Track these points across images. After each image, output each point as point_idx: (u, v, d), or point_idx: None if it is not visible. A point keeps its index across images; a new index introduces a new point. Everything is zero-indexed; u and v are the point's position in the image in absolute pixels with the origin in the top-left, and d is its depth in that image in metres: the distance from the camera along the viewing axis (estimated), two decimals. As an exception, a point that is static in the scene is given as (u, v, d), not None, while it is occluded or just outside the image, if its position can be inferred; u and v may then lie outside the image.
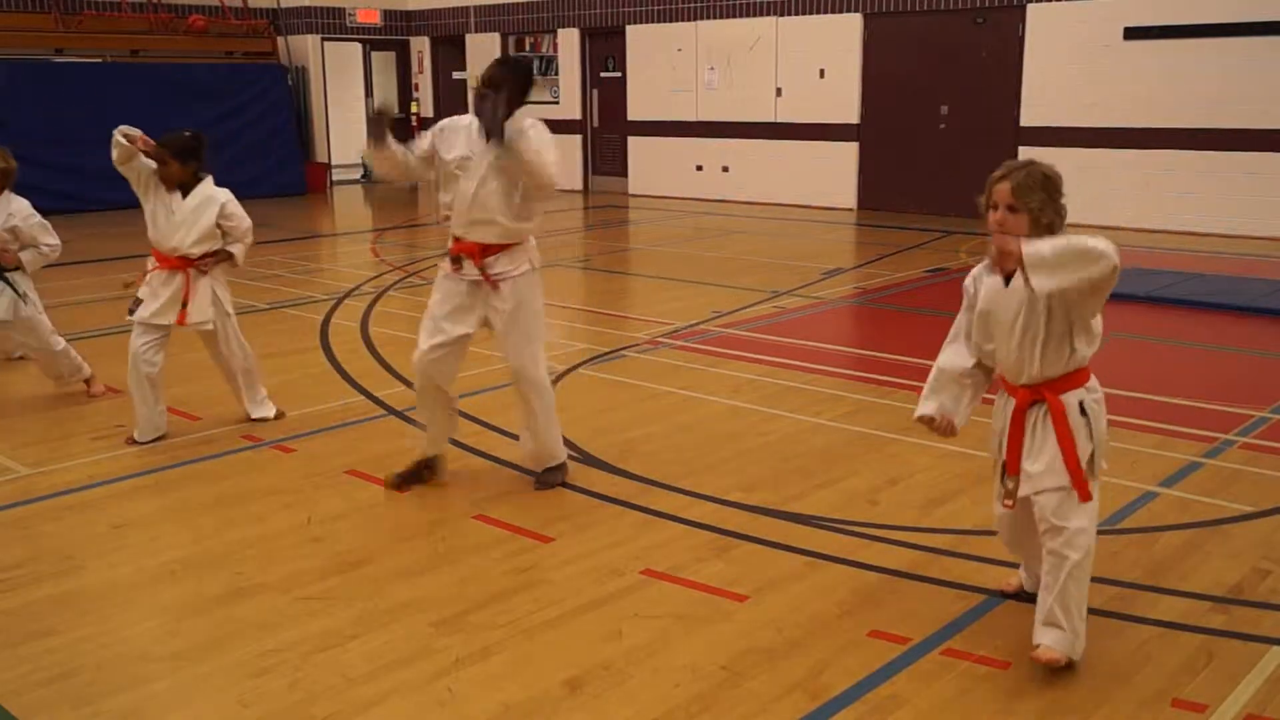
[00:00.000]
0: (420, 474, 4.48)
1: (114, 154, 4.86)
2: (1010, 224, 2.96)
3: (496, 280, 4.25)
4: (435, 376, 4.32)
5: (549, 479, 4.48)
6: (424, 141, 4.29)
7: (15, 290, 5.55)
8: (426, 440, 4.48)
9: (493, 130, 4.06)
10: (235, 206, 5.11)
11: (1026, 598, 3.34)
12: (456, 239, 4.28)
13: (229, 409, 5.48)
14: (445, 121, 4.30)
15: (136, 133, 4.86)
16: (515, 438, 5.05)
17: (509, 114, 4.06)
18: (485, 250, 4.24)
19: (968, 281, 3.22)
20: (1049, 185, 3.00)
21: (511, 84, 4.09)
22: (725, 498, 4.33)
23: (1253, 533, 3.96)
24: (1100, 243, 2.76)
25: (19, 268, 5.56)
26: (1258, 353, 6.64)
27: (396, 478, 4.44)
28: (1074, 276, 2.76)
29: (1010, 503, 3.12)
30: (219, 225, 5.07)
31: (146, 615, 3.43)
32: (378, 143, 4.22)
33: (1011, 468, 3.10)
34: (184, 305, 5.04)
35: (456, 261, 4.27)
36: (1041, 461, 3.00)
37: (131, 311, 5.05)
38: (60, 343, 5.70)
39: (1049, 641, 2.98)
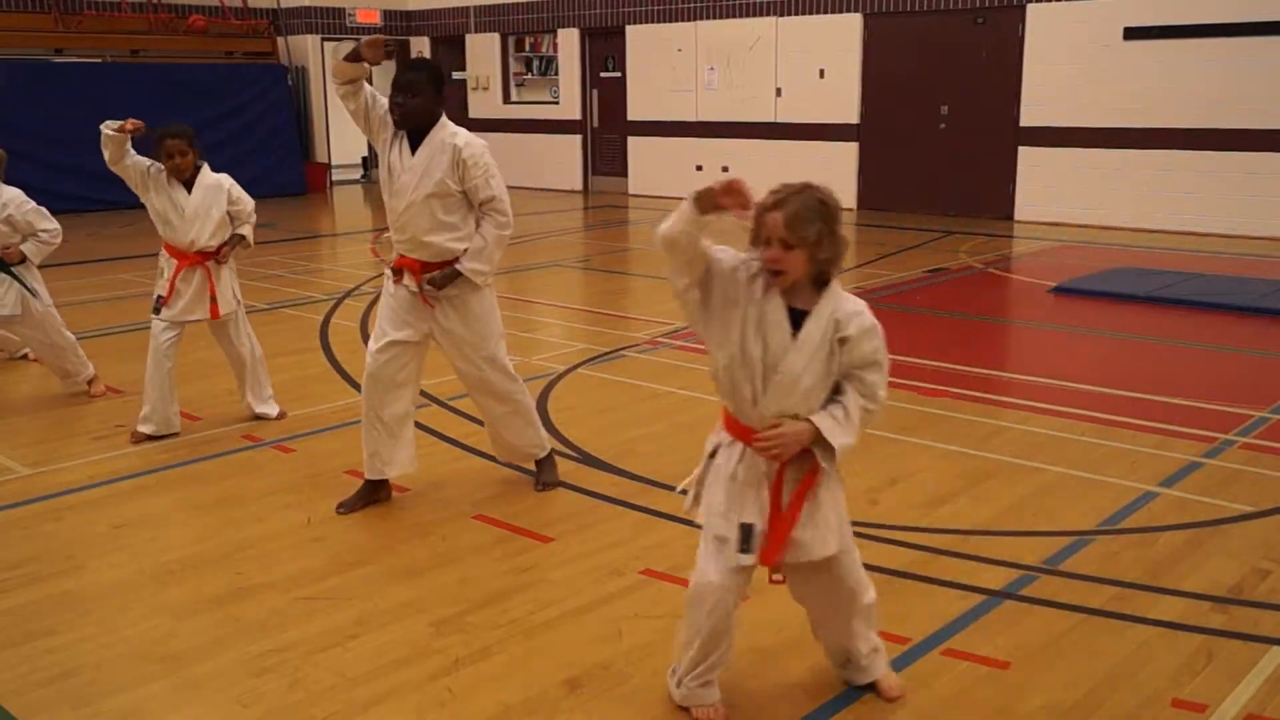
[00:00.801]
0: (367, 500, 4.30)
1: (105, 154, 4.86)
2: (785, 262, 2.55)
3: (434, 299, 4.10)
4: (382, 384, 4.14)
5: (549, 479, 4.47)
6: (368, 98, 4.06)
7: (24, 285, 5.55)
8: (366, 463, 4.26)
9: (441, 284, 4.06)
10: (238, 189, 5.19)
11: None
12: (399, 253, 4.13)
13: (229, 409, 5.48)
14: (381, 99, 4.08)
15: (118, 123, 4.81)
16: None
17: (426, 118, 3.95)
18: (425, 267, 4.07)
19: (737, 265, 2.67)
20: (826, 214, 2.55)
21: (429, 87, 3.94)
22: (725, 498, 4.33)
23: (1252, 533, 3.96)
24: (876, 401, 2.61)
25: (24, 261, 5.55)
26: (1258, 353, 6.64)
27: (343, 506, 4.27)
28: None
29: (780, 577, 2.76)
30: (228, 212, 5.11)
31: (146, 615, 3.43)
32: (353, 61, 3.96)
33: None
34: (212, 299, 5.09)
35: (398, 273, 4.12)
36: (815, 522, 2.68)
37: (157, 310, 5.07)
38: (70, 338, 5.73)
39: (887, 670, 2.94)
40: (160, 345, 5.04)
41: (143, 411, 5.09)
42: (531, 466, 4.52)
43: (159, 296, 5.08)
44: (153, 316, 5.10)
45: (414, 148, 3.99)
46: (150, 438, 5.05)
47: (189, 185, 5.05)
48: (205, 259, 5.06)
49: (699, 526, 2.78)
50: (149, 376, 5.06)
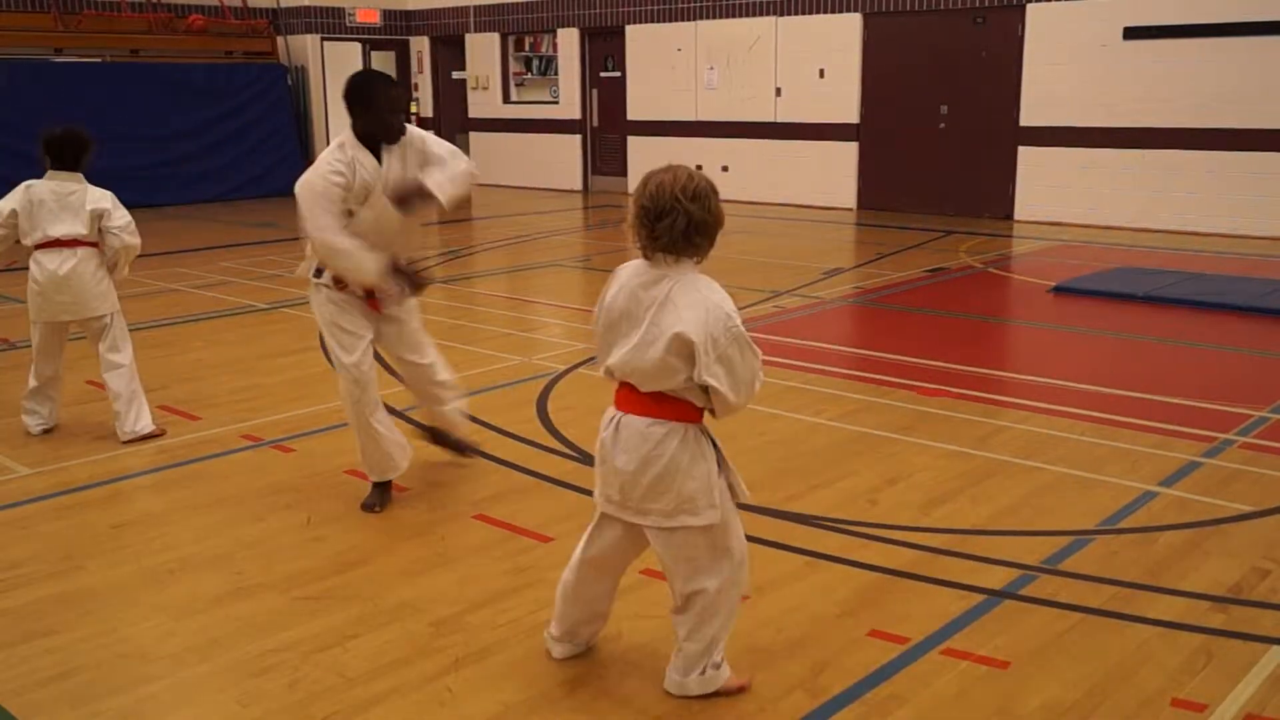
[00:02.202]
0: (384, 499, 4.32)
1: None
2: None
3: (378, 303, 4.19)
4: (368, 385, 4.16)
5: (469, 447, 4.69)
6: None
7: None
8: (378, 467, 4.29)
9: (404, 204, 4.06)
10: None
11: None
12: None
13: (228, 409, 5.48)
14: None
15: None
16: (518, 438, 5.06)
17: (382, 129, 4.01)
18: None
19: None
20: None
21: (352, 109, 3.99)
22: (725, 497, 4.33)
23: (1252, 532, 3.96)
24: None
25: None
26: (1258, 352, 6.64)
27: (376, 507, 4.27)
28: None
29: None
30: None
31: (146, 615, 3.43)
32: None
33: None
34: None
35: (340, 281, 4.12)
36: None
37: None
38: None
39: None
40: None
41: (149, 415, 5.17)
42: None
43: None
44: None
45: (378, 160, 4.03)
46: (148, 436, 5.11)
47: None
48: None
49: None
50: (136, 383, 5.18)
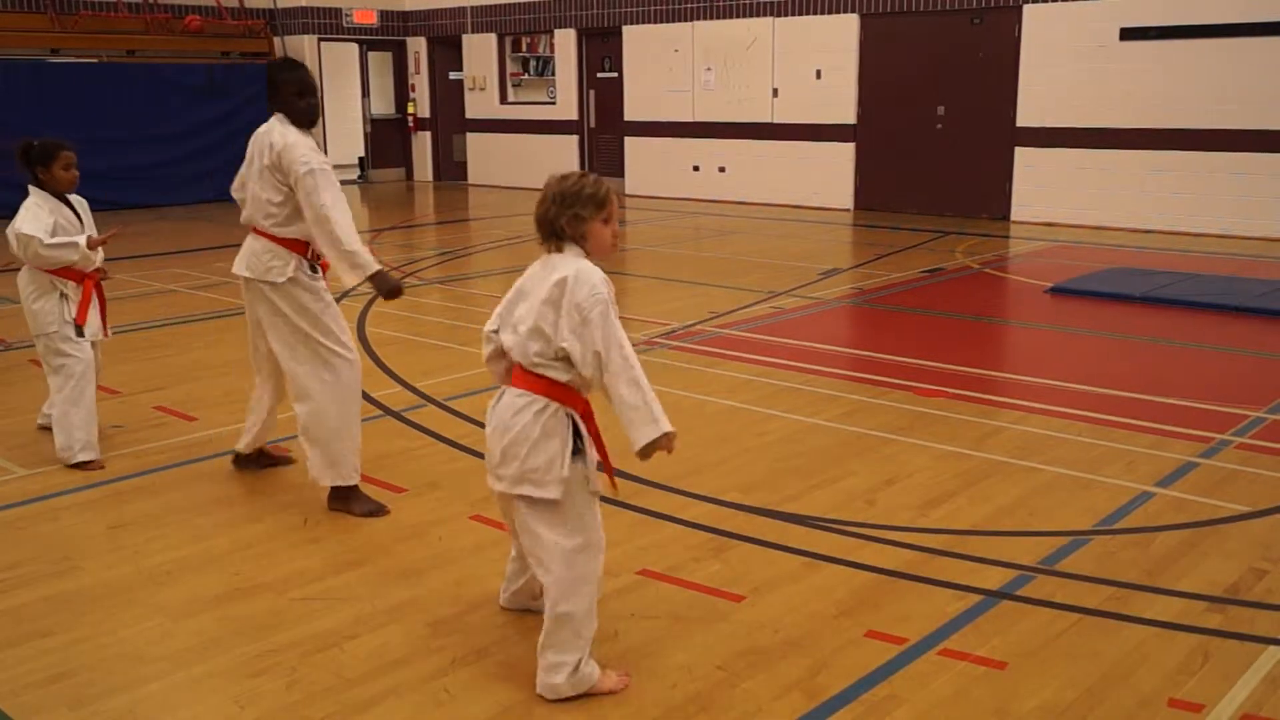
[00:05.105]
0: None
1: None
2: None
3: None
4: None
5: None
6: None
7: None
8: (356, 468, 4.32)
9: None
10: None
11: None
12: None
13: (225, 409, 5.48)
14: None
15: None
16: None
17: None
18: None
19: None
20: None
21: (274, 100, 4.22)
22: (722, 498, 4.34)
23: (1249, 532, 3.97)
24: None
25: None
26: (1254, 353, 6.65)
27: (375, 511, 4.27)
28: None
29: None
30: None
31: (144, 616, 3.43)
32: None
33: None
34: (104, 316, 4.98)
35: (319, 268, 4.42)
36: None
37: (81, 334, 4.81)
38: None
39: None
40: (89, 369, 4.79)
41: (81, 441, 4.73)
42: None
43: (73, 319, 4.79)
44: (76, 340, 4.77)
45: None
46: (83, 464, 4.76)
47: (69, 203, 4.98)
48: (94, 277, 4.95)
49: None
50: (80, 402, 4.72)
